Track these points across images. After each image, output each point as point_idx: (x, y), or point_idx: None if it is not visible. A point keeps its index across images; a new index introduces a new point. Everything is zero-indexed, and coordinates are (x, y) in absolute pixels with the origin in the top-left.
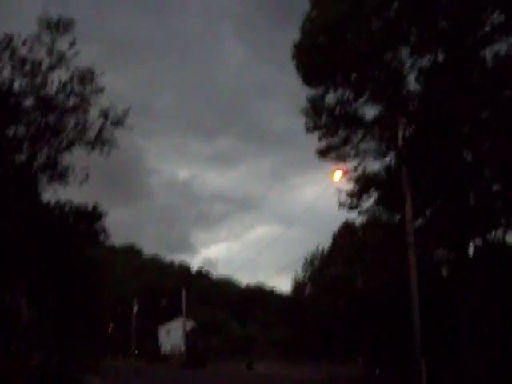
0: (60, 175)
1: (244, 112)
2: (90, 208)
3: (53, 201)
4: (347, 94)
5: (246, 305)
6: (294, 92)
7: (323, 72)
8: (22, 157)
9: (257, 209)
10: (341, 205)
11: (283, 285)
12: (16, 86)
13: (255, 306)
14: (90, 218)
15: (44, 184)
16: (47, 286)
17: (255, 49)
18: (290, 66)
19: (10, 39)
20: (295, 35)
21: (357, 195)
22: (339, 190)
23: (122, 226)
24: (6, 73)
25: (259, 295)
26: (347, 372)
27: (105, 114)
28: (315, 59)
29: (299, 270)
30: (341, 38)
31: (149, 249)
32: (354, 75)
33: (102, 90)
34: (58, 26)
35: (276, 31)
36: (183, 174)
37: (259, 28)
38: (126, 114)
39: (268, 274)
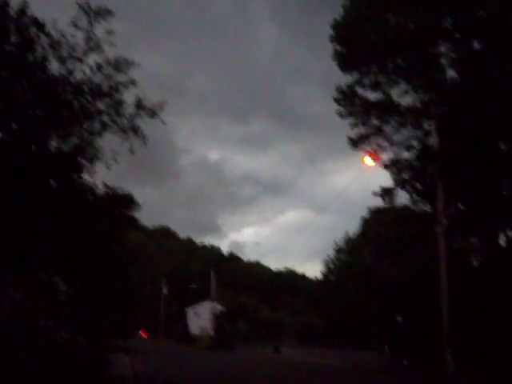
0: (91, 159)
1: (276, 95)
2: (122, 192)
3: (85, 182)
4: (383, 80)
5: (275, 290)
6: (328, 76)
7: (360, 55)
8: (55, 141)
9: (287, 193)
10: (374, 194)
11: (312, 271)
12: (52, 69)
13: (284, 291)
14: (125, 203)
15: (78, 166)
16: (80, 265)
17: (289, 31)
18: (325, 50)
19: (43, 22)
20: (331, 16)
21: (390, 184)
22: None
23: (150, 206)
24: (41, 55)
25: (289, 280)
26: (372, 361)
27: (139, 104)
28: (354, 41)
29: (328, 256)
30: (382, 19)
31: (174, 227)
32: (392, 61)
33: (133, 83)
34: (97, 14)
35: (311, 13)
36: (214, 155)
37: (293, 9)
38: (161, 107)
39: (297, 259)
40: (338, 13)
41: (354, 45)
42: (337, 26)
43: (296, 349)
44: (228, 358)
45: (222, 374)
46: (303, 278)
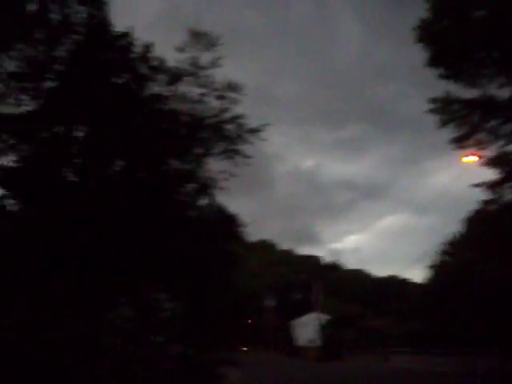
0: (204, 187)
1: (368, 96)
2: (228, 211)
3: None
4: (476, 75)
5: (379, 296)
6: (420, 71)
7: (451, 52)
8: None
9: (385, 197)
10: (476, 185)
11: (417, 276)
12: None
13: (388, 298)
14: (231, 221)
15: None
16: (187, 282)
17: (374, 28)
18: (412, 47)
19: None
20: (416, 10)
21: (493, 181)
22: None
23: (244, 216)
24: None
25: (393, 286)
26: (502, 367)
27: (240, 127)
28: (444, 37)
29: (433, 259)
30: (473, 15)
31: (271, 238)
32: (484, 55)
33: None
34: (206, 41)
35: (394, 8)
36: (308, 162)
37: (375, 5)
38: (263, 127)
39: (400, 264)
40: (422, 6)
41: (443, 41)
42: (423, 22)
43: (406, 356)
44: (338, 369)
45: None
46: (407, 283)
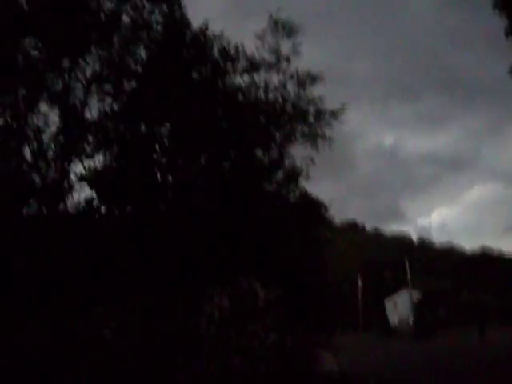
0: (290, 174)
1: (445, 66)
2: (314, 196)
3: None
4: None
5: (472, 271)
6: (496, 39)
7: None
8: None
9: (471, 168)
10: None
11: (509, 246)
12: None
13: (481, 271)
14: (317, 206)
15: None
16: (279, 270)
17: None
18: (489, 13)
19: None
20: None
21: None
22: None
23: (328, 199)
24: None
25: (485, 259)
26: None
27: (320, 113)
28: None
29: None
30: None
31: (357, 218)
32: None
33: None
34: (286, 29)
35: None
36: (388, 139)
37: None
38: (343, 109)
39: (492, 235)
40: None
41: None
42: None
43: (502, 330)
44: (430, 348)
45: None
46: (501, 254)
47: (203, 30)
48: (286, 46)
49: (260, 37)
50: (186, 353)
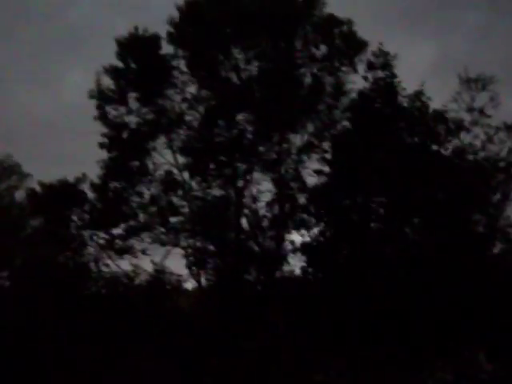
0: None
1: None
2: None
3: None
4: None
5: None
6: None
7: None
8: None
9: None
10: None
11: None
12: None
13: None
14: None
15: None
16: (507, 340)
17: None
18: None
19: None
20: None
21: None
22: None
23: None
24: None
25: None
26: None
27: None
28: None
29: None
30: None
31: None
32: None
33: None
34: (479, 84)
35: None
36: None
37: None
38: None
39: None
40: None
41: None
42: None
43: None
44: None
45: None
46: None
47: (418, 95)
48: (480, 101)
49: (455, 98)
50: None
